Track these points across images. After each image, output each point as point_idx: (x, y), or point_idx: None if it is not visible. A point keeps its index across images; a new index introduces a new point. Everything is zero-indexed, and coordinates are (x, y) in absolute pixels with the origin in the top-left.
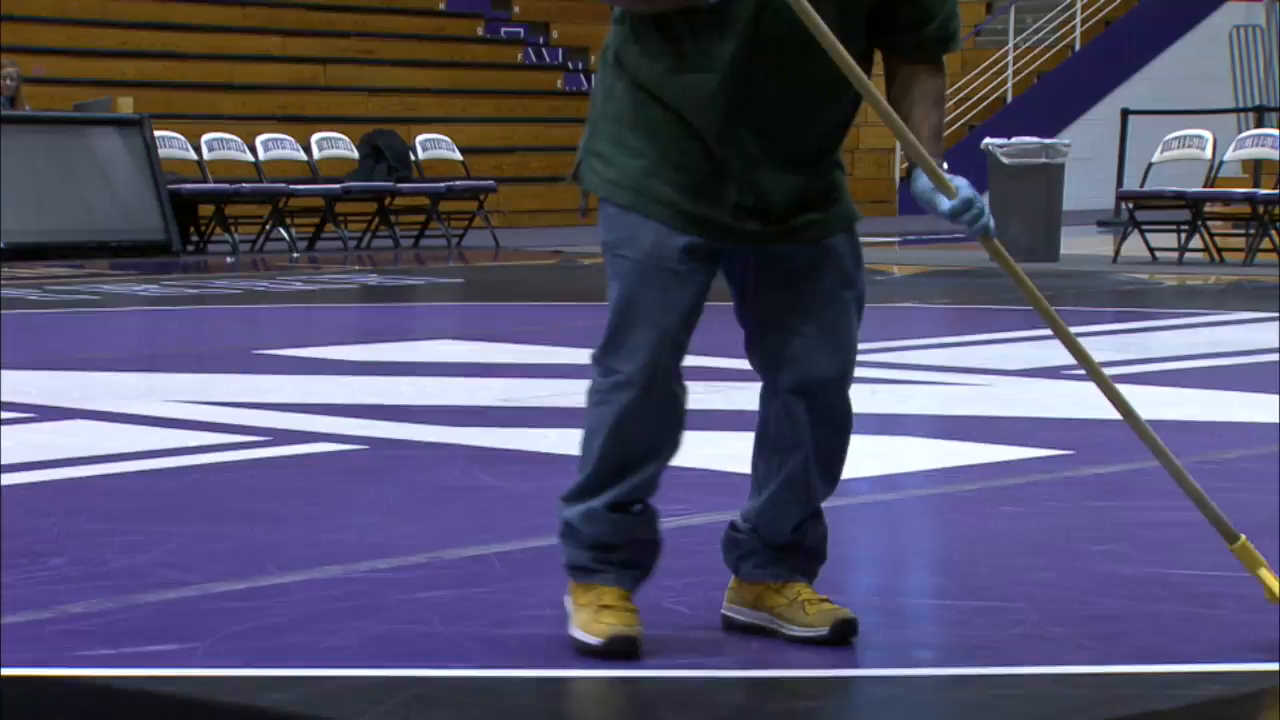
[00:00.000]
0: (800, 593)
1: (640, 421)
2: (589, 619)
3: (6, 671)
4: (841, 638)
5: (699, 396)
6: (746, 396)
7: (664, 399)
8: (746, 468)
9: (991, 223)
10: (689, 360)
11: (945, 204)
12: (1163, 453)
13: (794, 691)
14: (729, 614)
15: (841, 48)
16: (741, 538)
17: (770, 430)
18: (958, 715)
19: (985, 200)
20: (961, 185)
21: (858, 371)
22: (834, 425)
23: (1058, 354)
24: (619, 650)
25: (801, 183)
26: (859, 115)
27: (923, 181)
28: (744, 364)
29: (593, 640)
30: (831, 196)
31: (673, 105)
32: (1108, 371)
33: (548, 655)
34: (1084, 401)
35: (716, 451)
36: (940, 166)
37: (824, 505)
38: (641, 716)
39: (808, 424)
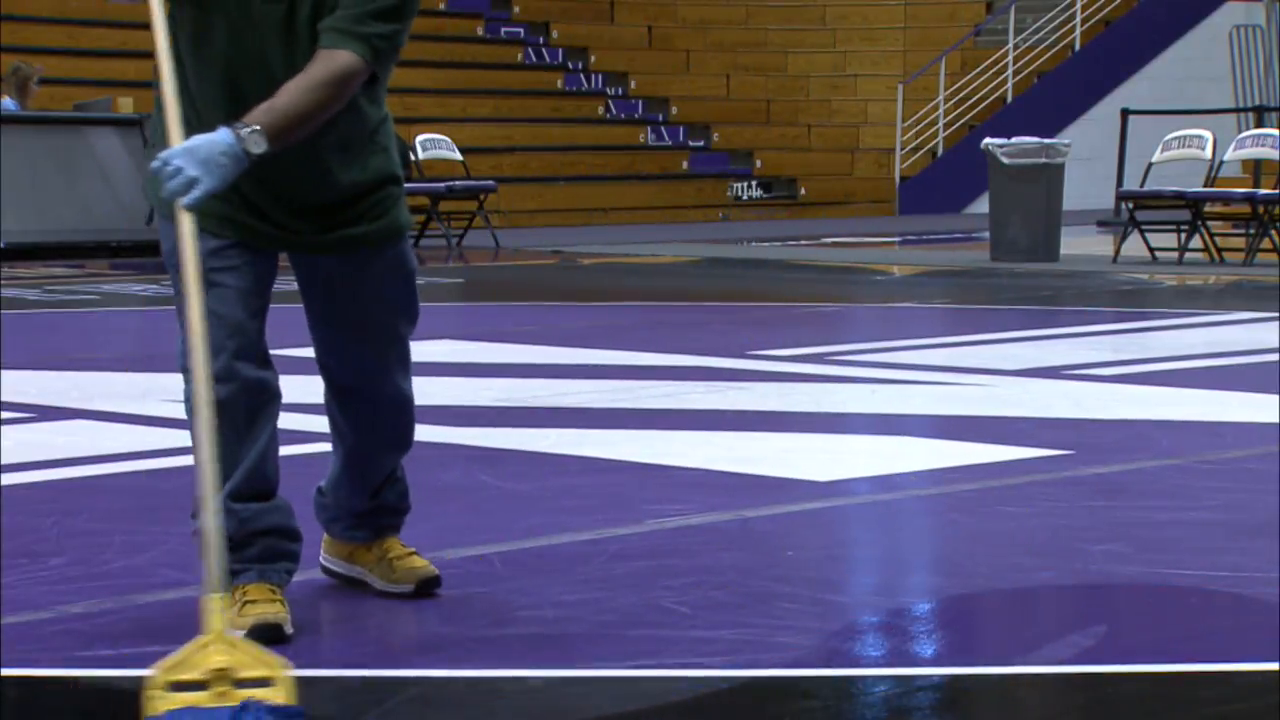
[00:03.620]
0: (389, 549)
1: (234, 410)
2: (233, 616)
3: (6, 671)
4: (425, 592)
5: (699, 396)
6: (747, 396)
7: (249, 383)
8: (747, 468)
9: (186, 193)
10: (691, 361)
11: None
12: None
13: (794, 691)
14: (326, 564)
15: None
16: (327, 502)
17: (330, 415)
18: (957, 715)
19: (199, 169)
20: (195, 144)
21: (858, 370)
22: (378, 422)
23: (1058, 354)
24: (262, 638)
25: (329, 196)
26: (859, 115)
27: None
28: (743, 364)
29: (236, 634)
30: (373, 212)
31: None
32: (1107, 371)
33: (548, 655)
34: (1084, 401)
35: (716, 452)
36: (241, 129)
37: (824, 505)
38: (641, 716)
39: (354, 419)
